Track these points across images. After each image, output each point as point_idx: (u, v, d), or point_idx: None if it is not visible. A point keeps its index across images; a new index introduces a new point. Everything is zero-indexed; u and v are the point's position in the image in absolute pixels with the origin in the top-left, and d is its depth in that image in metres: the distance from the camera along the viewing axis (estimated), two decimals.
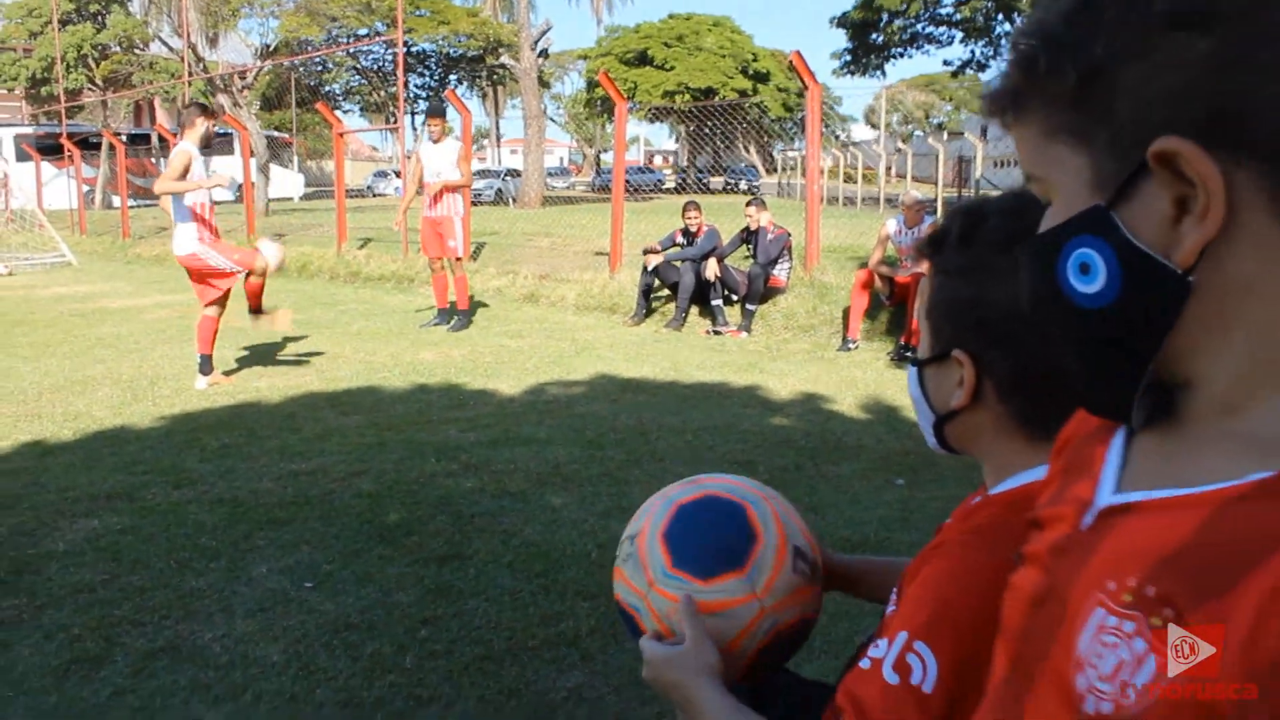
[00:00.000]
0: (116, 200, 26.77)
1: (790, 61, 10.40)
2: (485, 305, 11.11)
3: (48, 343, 9.02)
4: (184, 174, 6.77)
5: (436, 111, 9.56)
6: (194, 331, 7.19)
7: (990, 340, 1.12)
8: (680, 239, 9.97)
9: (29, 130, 33.42)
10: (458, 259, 9.59)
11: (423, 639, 3.19)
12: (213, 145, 7.25)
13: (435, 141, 9.44)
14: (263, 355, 8.27)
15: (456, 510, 4.37)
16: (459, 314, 9.70)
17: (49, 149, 28.11)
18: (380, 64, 45.69)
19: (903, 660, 1.05)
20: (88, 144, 29.01)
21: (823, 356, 8.33)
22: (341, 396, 6.71)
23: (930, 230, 1.20)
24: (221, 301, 7.13)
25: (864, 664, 1.08)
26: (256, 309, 7.37)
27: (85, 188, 26.52)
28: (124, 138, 26.07)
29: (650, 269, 9.92)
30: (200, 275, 7.00)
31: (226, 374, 7.39)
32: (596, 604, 3.39)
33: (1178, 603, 0.63)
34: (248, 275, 7.07)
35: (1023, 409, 1.13)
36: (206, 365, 7.10)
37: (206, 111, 7.10)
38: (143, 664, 3.03)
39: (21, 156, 28.89)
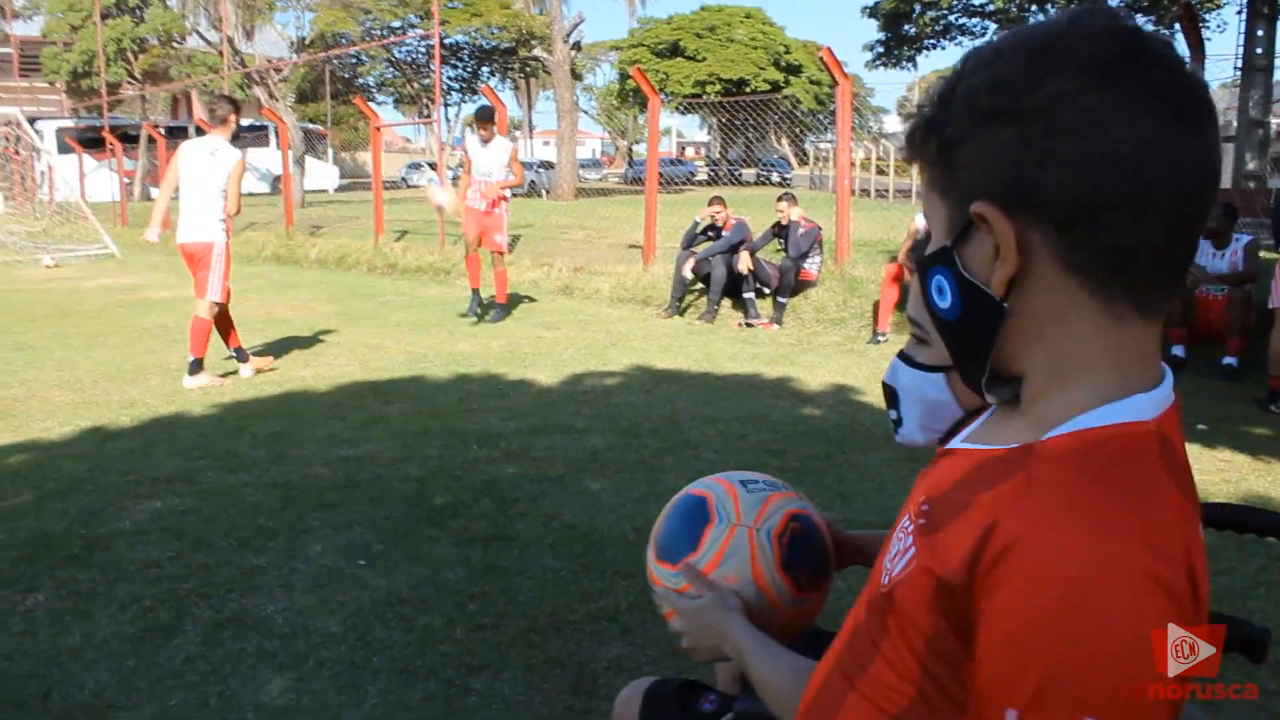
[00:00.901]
0: (155, 192, 27.19)
1: (821, 56, 10.51)
2: (532, 299, 11.30)
3: (98, 333, 9.30)
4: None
5: (485, 116, 9.65)
6: (222, 327, 7.39)
7: None
8: (710, 233, 10.16)
9: (70, 123, 33.92)
10: (500, 253, 9.79)
11: (471, 613, 3.39)
12: (240, 137, 7.47)
13: (485, 143, 9.60)
14: (307, 345, 8.52)
15: (500, 494, 4.58)
16: (497, 307, 9.90)
17: (89, 142, 28.55)
18: (413, 56, 46.02)
19: None
20: (127, 137, 29.48)
21: (853, 349, 8.48)
22: (385, 386, 6.93)
23: (916, 237, 1.38)
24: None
25: None
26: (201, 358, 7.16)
27: (125, 179, 26.94)
28: (162, 130, 26.45)
29: (689, 274, 10.10)
30: (200, 265, 7.14)
31: (263, 356, 7.70)
32: (634, 582, 3.57)
33: (933, 518, 0.91)
34: (206, 307, 7.16)
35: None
36: (242, 355, 7.40)
37: (239, 107, 7.38)
38: (211, 633, 3.25)
39: (62, 149, 29.33)
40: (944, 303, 0.93)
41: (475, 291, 10.06)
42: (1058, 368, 0.89)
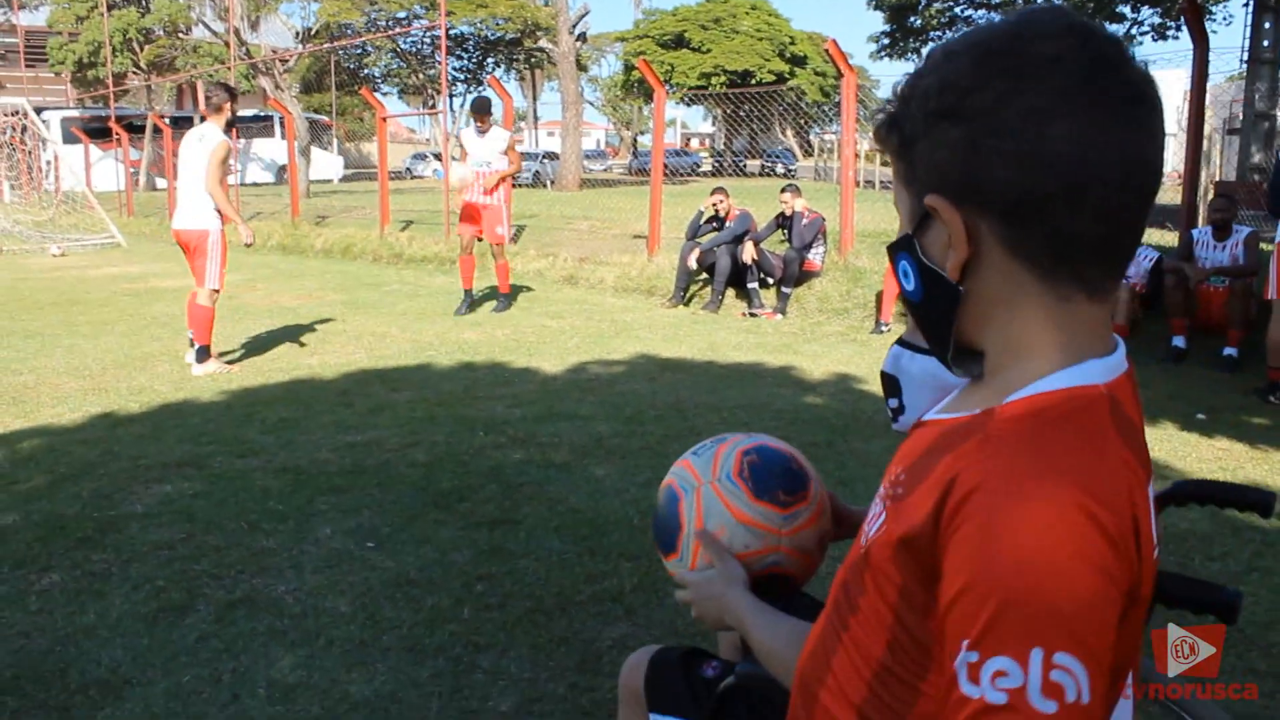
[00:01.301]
0: (160, 182, 27.26)
1: (827, 49, 10.54)
2: (530, 289, 11.35)
3: (105, 321, 9.36)
4: (225, 162, 7.14)
5: (482, 108, 9.60)
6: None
7: None
8: (714, 223, 10.21)
9: (76, 113, 33.94)
10: (501, 245, 9.81)
11: (478, 594, 3.45)
12: (236, 126, 7.45)
13: (481, 134, 9.61)
14: (313, 334, 8.57)
15: (505, 479, 4.64)
16: (501, 297, 9.95)
17: (95, 132, 28.61)
18: (419, 47, 46.03)
19: None
20: (132, 127, 29.48)
21: (855, 339, 8.53)
22: (391, 373, 6.99)
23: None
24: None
25: None
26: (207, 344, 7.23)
27: (130, 169, 26.99)
28: (168, 120, 26.49)
29: (694, 264, 10.14)
30: (196, 253, 7.17)
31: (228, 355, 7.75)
32: (638, 565, 3.64)
33: (903, 484, 0.99)
34: (207, 294, 7.16)
35: None
36: (205, 354, 7.21)
37: (235, 95, 7.39)
38: (223, 613, 3.31)
39: (68, 139, 29.35)
40: (909, 285, 1.03)
41: (468, 292, 10.00)
42: (1012, 343, 0.97)
